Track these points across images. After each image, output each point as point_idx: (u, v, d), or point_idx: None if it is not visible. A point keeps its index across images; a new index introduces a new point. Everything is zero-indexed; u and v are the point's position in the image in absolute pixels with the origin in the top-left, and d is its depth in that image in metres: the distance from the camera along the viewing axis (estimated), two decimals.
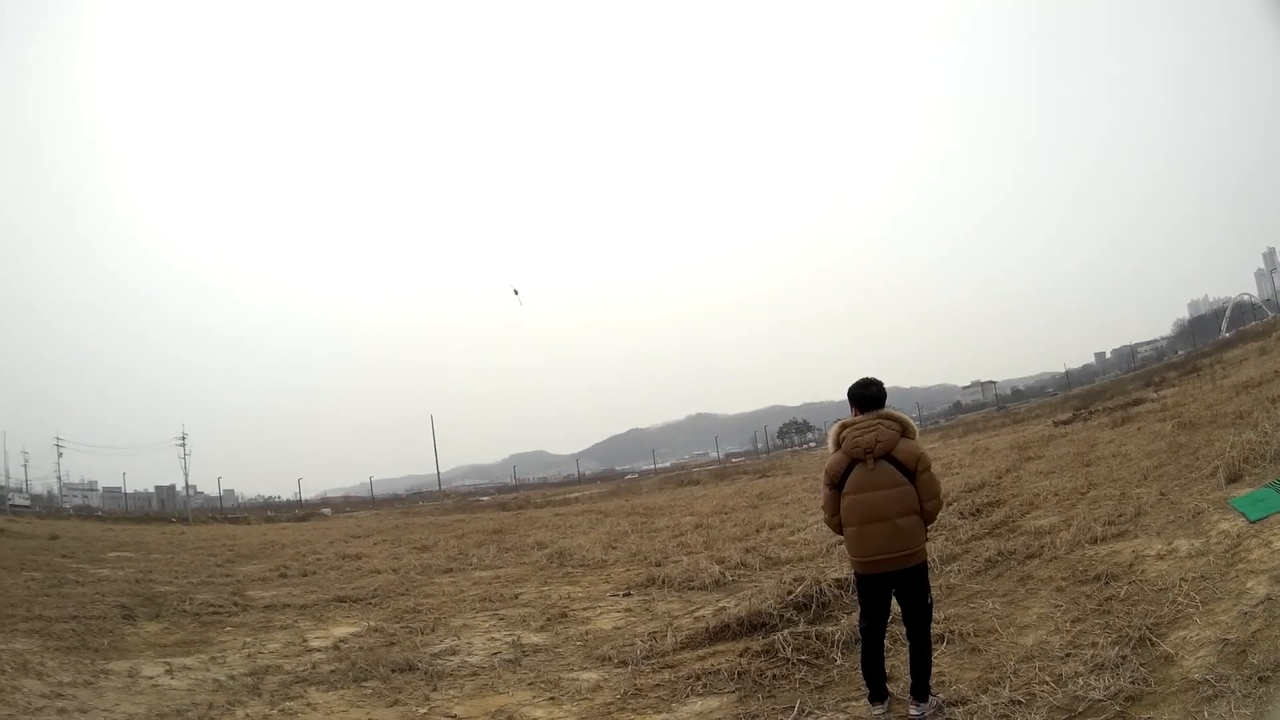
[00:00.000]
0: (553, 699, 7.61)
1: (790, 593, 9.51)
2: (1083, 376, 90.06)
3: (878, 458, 5.73)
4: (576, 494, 51.29)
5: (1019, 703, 5.84)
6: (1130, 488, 12.72)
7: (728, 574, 12.49)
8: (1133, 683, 5.82)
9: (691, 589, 12.01)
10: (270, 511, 60.21)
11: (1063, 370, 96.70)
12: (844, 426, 6.04)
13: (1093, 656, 6.41)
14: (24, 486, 65.45)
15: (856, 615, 6.47)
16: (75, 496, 71.54)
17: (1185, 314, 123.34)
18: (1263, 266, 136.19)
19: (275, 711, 7.70)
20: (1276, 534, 7.97)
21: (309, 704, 7.91)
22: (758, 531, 17.02)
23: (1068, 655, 6.64)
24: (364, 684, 8.49)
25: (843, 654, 7.61)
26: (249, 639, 11.00)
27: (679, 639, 9.01)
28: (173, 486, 76.98)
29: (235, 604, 13.83)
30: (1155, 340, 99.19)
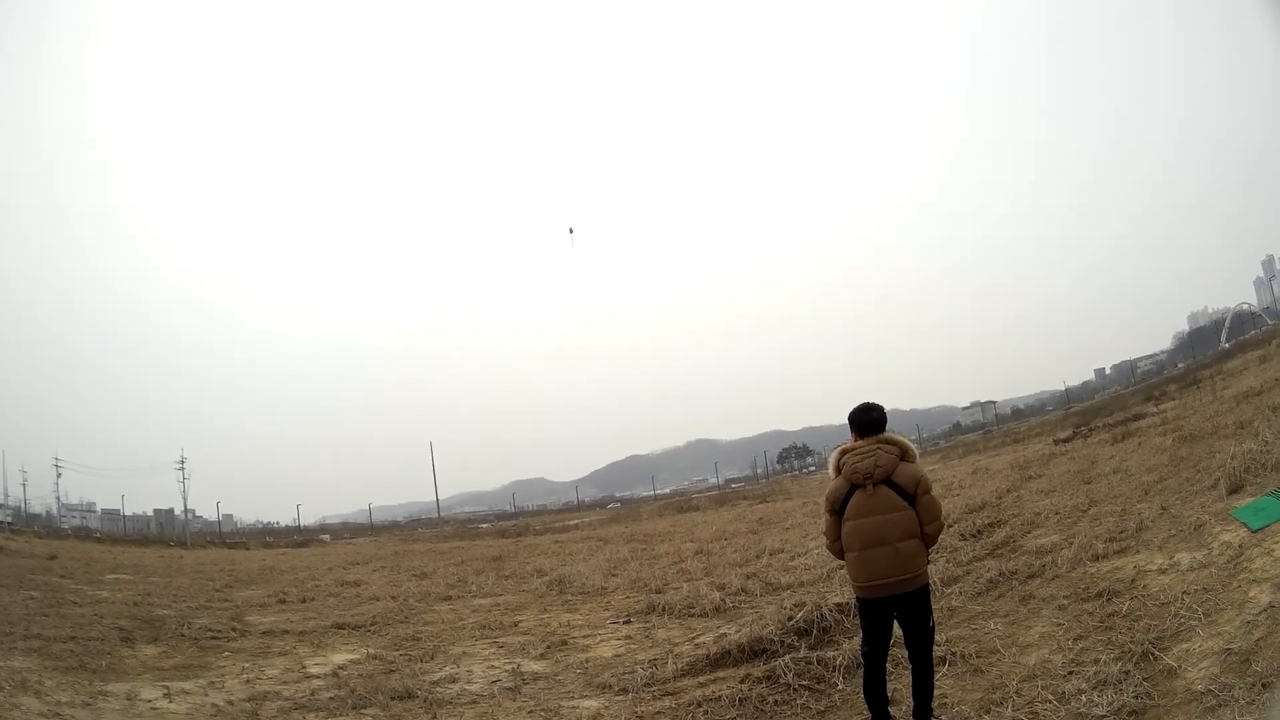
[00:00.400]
0: None
1: (791, 618, 9.59)
2: (1083, 393, 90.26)
3: (877, 482, 5.83)
4: (576, 521, 51.21)
5: None
6: (1131, 503, 12.76)
7: (728, 600, 12.57)
8: (1136, 697, 5.95)
9: (692, 616, 12.09)
10: (269, 537, 60.07)
11: (1062, 388, 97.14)
12: (844, 452, 6.14)
13: (1095, 673, 6.55)
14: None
15: (858, 640, 6.58)
16: (74, 517, 71.57)
17: (1185, 326, 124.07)
18: (1261, 275, 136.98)
19: None
20: (1279, 542, 8.10)
21: None
22: (758, 557, 17.13)
23: (1070, 673, 6.77)
24: (363, 711, 8.55)
25: (844, 679, 7.72)
26: (247, 664, 11.05)
27: (680, 666, 9.06)
28: (171, 510, 76.68)
29: (234, 629, 13.85)
30: (1155, 354, 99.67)
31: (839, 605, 9.71)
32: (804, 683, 7.72)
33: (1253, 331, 75.48)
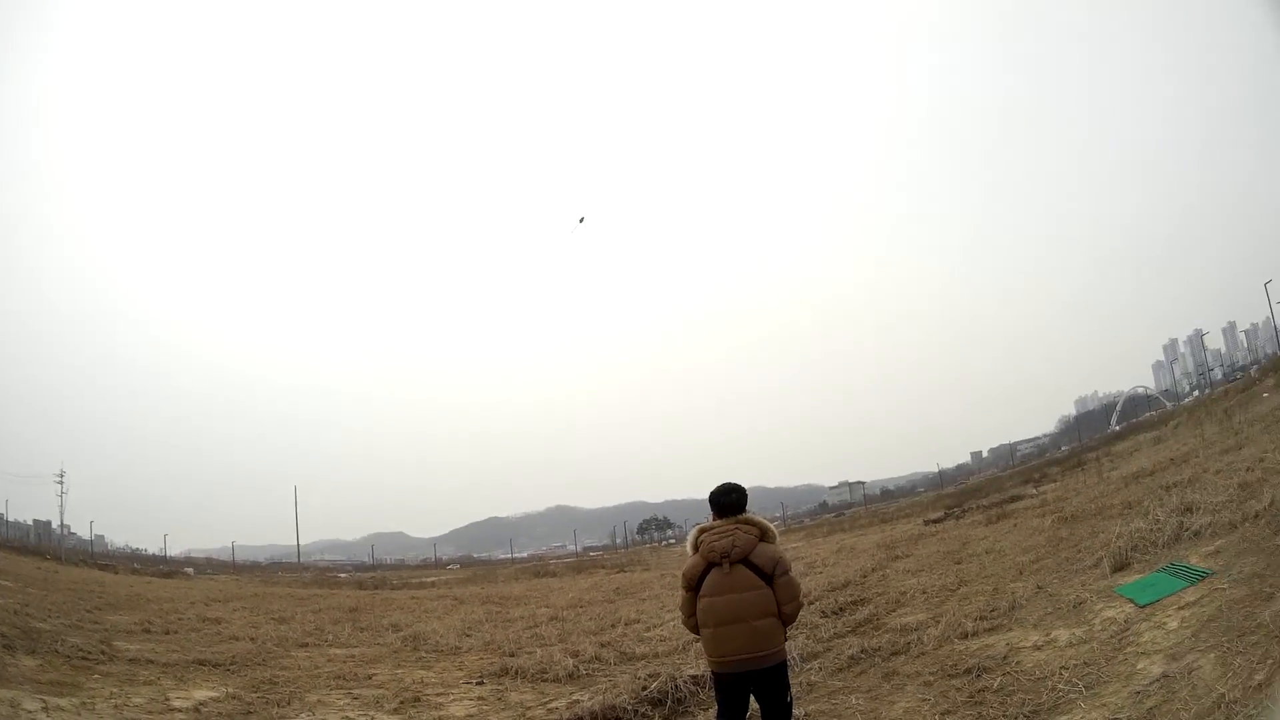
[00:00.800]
0: None
1: (645, 688, 9.81)
2: (957, 475, 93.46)
3: (734, 561, 5.99)
4: (433, 578, 52.80)
5: None
6: (1004, 583, 13.05)
7: (582, 667, 12.79)
8: None
9: (545, 680, 12.33)
10: (137, 564, 61.05)
11: (936, 470, 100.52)
12: (702, 531, 6.32)
13: None
14: None
15: (713, 713, 6.62)
16: None
17: (1072, 410, 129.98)
18: (1163, 358, 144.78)
19: None
20: (1170, 616, 8.29)
21: None
22: (613, 626, 17.50)
23: None
24: None
25: None
26: (115, 690, 11.19)
27: None
28: (49, 522, 77.98)
29: (103, 652, 14.05)
30: (1037, 438, 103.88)
31: (694, 677, 9.85)
32: None
33: (1148, 414, 79.78)
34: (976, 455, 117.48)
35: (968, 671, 8.74)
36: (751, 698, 6.21)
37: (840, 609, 14.53)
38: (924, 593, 14.37)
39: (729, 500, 6.34)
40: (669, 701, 9.51)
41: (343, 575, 63.49)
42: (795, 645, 11.00)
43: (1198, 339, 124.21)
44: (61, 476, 71.96)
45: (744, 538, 6.08)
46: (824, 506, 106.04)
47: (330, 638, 18.87)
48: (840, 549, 29.40)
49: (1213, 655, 6.82)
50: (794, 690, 6.53)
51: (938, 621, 11.27)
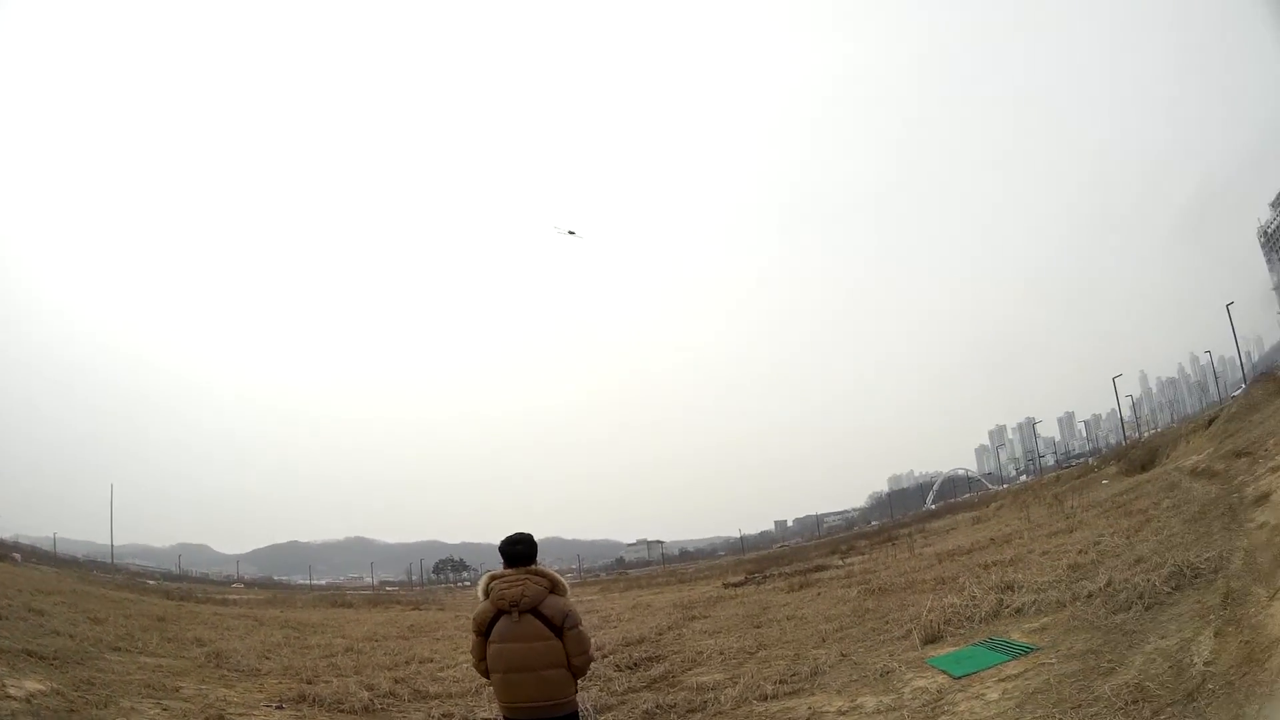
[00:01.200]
0: None
1: None
2: (760, 542, 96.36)
3: (524, 611, 6.22)
4: (236, 596, 53.23)
5: None
6: (806, 649, 13.47)
7: (377, 701, 13.37)
8: None
9: (342, 711, 12.86)
10: None
11: (738, 535, 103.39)
12: (493, 578, 6.51)
13: None
14: None
15: None
16: None
17: (885, 488, 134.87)
18: (987, 443, 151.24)
19: None
20: (990, 688, 8.54)
21: None
22: (407, 663, 18.18)
23: None
24: None
25: None
26: None
27: None
28: None
29: None
30: (845, 511, 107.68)
31: None
32: None
33: (968, 494, 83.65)
34: (781, 524, 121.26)
35: None
36: None
37: (635, 664, 14.92)
38: (721, 654, 14.73)
39: (515, 551, 6.55)
40: None
41: (151, 582, 64.15)
42: (589, 697, 11.35)
43: (1029, 426, 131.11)
44: None
45: (534, 588, 6.27)
46: (621, 562, 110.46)
47: (140, 645, 18.88)
48: (636, 605, 30.68)
49: None
50: None
51: (735, 682, 11.46)
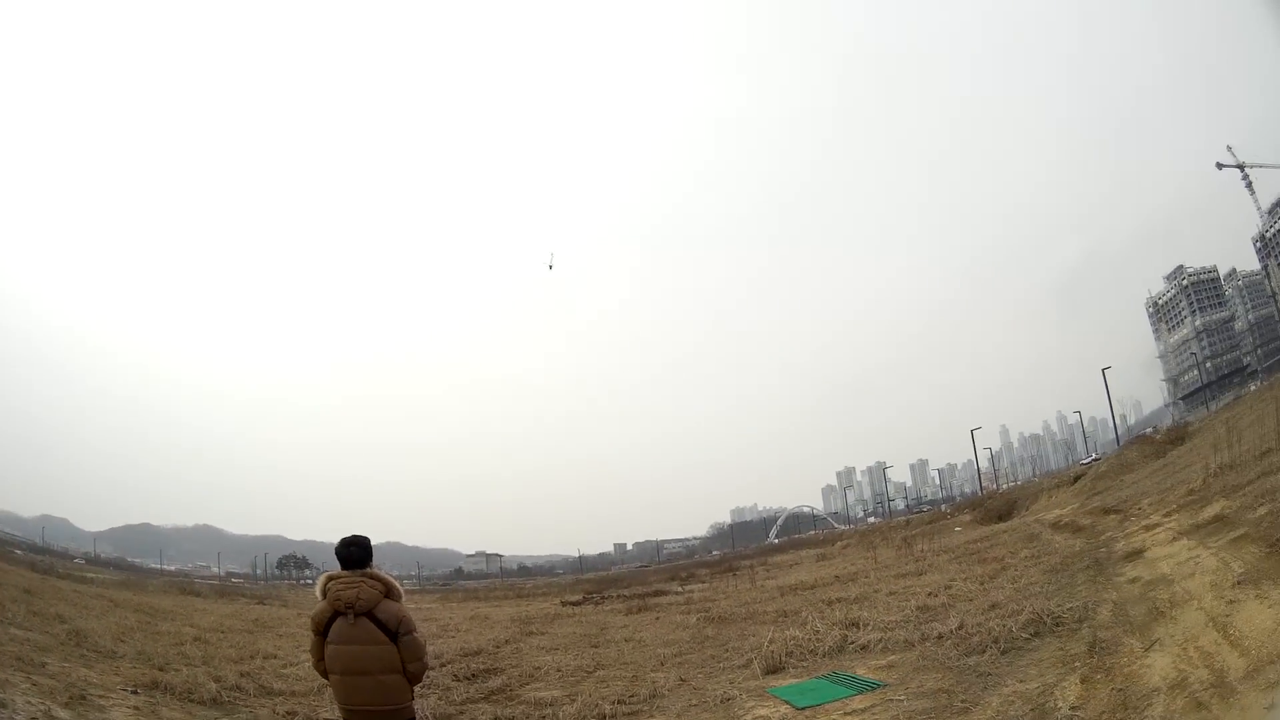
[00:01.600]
0: None
1: None
2: (598, 563, 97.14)
3: (359, 614, 6.32)
4: (93, 575, 53.93)
5: None
6: (644, 671, 13.56)
7: (225, 694, 13.26)
8: None
9: (192, 701, 12.73)
10: None
11: (577, 554, 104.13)
12: (330, 578, 6.59)
13: None
14: None
15: None
16: None
17: (728, 519, 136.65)
18: (835, 483, 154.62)
19: None
20: (834, 719, 8.56)
21: None
22: (253, 658, 18.06)
23: None
24: None
25: None
26: None
27: None
28: None
29: None
30: (686, 539, 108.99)
31: None
32: None
33: (812, 531, 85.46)
34: (620, 547, 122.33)
35: None
36: None
37: (473, 675, 15.01)
38: (559, 670, 14.88)
39: (348, 554, 6.60)
40: None
41: (18, 553, 63.53)
42: (428, 705, 11.45)
43: (879, 470, 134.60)
44: None
45: (369, 591, 6.36)
46: (460, 573, 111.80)
47: (10, 616, 18.95)
48: (475, 616, 30.98)
49: None
50: None
51: (574, 700, 11.47)
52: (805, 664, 11.67)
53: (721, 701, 10.27)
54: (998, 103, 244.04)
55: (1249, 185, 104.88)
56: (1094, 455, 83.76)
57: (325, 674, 6.57)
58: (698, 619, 19.50)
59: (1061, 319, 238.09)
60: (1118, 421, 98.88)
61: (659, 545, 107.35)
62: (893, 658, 10.85)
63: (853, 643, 12.19)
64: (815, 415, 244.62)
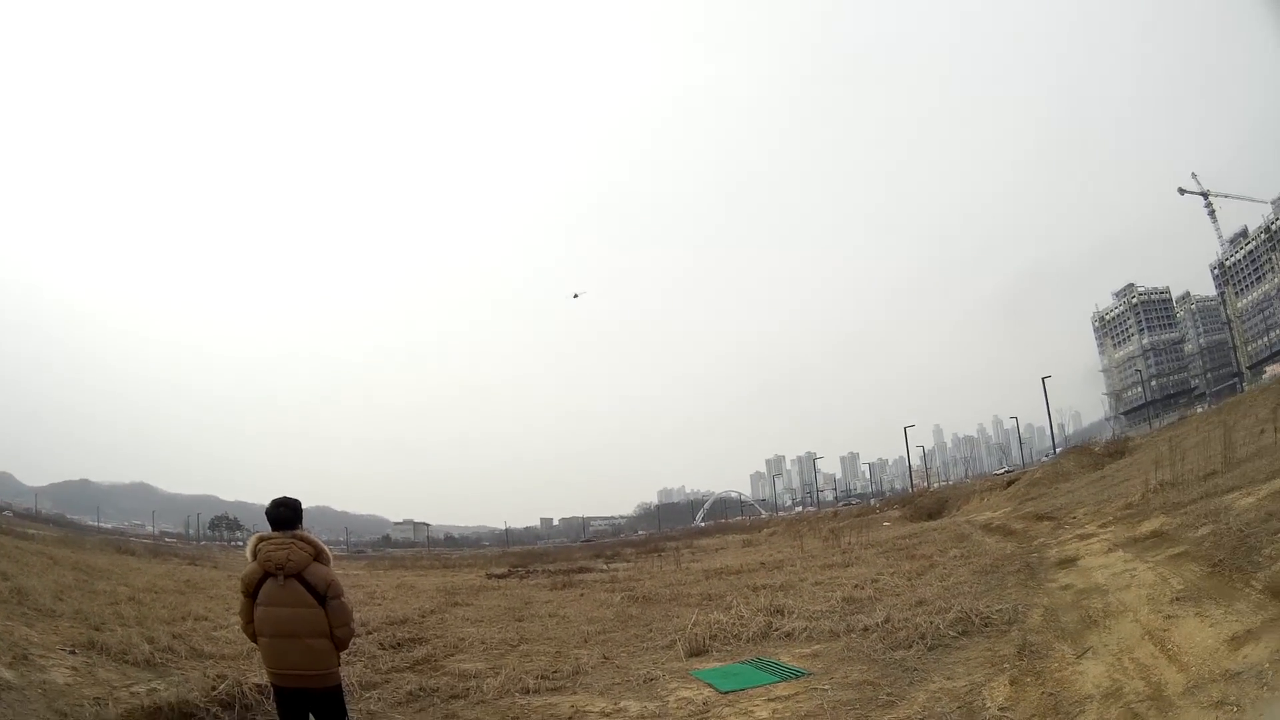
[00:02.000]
0: None
1: (215, 689, 10.43)
2: (524, 536, 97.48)
3: (289, 575, 6.46)
4: (34, 531, 53.07)
5: None
6: (568, 648, 13.80)
7: (158, 655, 13.12)
8: None
9: (126, 663, 12.53)
10: None
11: (503, 527, 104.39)
12: (260, 539, 6.73)
13: None
14: None
15: None
16: None
17: (654, 500, 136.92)
18: (764, 470, 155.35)
19: None
20: (759, 705, 8.67)
21: None
22: (184, 619, 17.91)
23: None
24: None
25: None
26: None
27: (120, 711, 9.68)
28: None
29: None
30: (612, 518, 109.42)
31: (259, 686, 10.19)
32: None
33: (740, 516, 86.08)
34: (547, 521, 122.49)
35: None
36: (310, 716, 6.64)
37: (399, 644, 15.10)
38: (483, 643, 14.98)
39: (279, 514, 6.77)
40: (237, 706, 9.98)
41: None
42: (354, 672, 11.37)
43: (809, 460, 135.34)
44: None
45: (299, 553, 6.49)
46: (387, 540, 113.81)
47: None
48: (401, 585, 31.30)
49: None
50: (353, 717, 7.33)
51: (497, 673, 11.55)
52: (729, 648, 11.84)
53: (645, 681, 10.41)
54: (965, 105, 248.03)
55: (1211, 214, 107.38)
56: (1007, 468, 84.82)
57: (254, 637, 6.63)
58: (622, 598, 19.70)
59: (1007, 325, 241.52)
60: (1056, 430, 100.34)
61: (585, 522, 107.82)
62: (817, 647, 11.01)
63: (777, 629, 12.37)
64: (750, 403, 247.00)
